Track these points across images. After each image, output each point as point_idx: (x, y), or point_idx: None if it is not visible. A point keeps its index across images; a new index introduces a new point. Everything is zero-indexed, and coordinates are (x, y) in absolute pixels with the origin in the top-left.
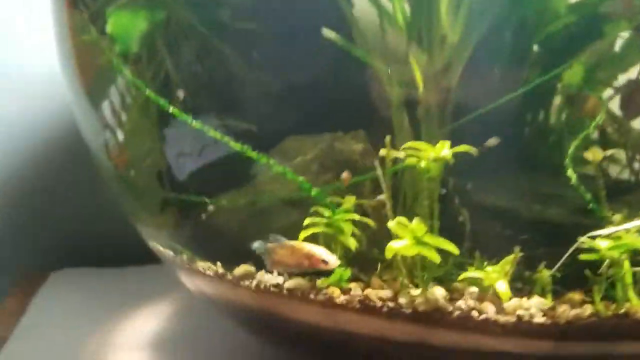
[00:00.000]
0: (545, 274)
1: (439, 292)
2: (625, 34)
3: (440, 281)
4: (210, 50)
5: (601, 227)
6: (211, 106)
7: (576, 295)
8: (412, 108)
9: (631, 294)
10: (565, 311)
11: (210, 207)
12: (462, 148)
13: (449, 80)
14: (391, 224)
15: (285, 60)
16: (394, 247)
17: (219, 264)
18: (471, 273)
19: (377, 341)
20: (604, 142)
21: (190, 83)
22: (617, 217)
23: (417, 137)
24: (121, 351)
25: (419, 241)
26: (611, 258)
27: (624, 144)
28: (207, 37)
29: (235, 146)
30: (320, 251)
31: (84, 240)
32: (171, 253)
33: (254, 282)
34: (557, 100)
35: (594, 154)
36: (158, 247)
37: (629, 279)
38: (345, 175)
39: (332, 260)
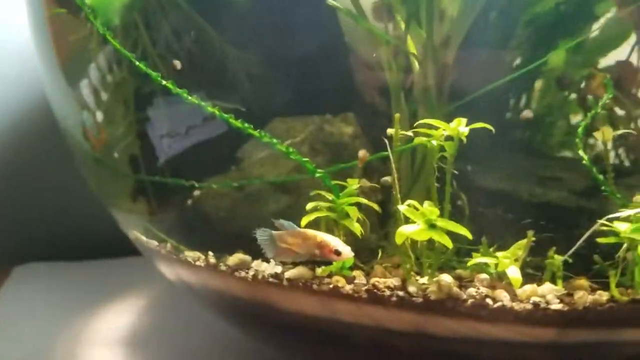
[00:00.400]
0: (557, 259)
1: (447, 280)
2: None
3: (440, 269)
4: (193, 25)
5: (605, 210)
6: (194, 84)
7: (583, 281)
8: (408, 89)
9: None
10: (582, 297)
11: (197, 193)
12: (480, 125)
13: (447, 56)
14: (402, 207)
15: (273, 37)
16: (405, 231)
17: (210, 253)
18: (481, 259)
19: (379, 332)
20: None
21: (173, 59)
22: (638, 197)
23: (413, 119)
24: (91, 348)
25: (431, 225)
26: (631, 241)
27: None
28: (190, 11)
29: (235, 124)
30: (335, 241)
31: (48, 234)
32: (154, 242)
33: (250, 272)
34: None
35: (605, 133)
36: (139, 236)
37: None
38: (362, 154)
39: (346, 251)
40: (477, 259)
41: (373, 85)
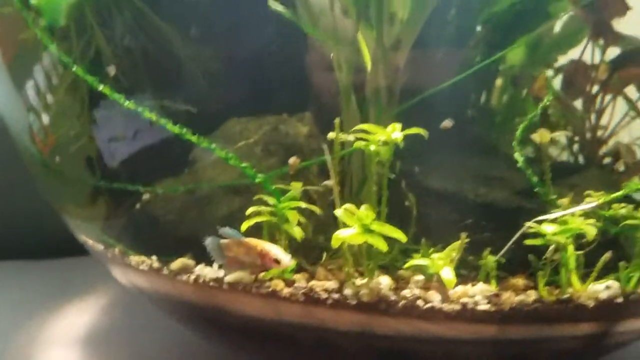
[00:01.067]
0: (490, 259)
1: (384, 282)
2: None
3: (386, 269)
4: (145, 25)
5: (544, 210)
6: (147, 85)
7: (520, 280)
8: (360, 90)
9: (574, 278)
10: (509, 297)
11: (145, 196)
12: (414, 130)
13: (398, 58)
14: (338, 212)
15: (228, 36)
16: (341, 236)
17: (154, 257)
18: (416, 260)
19: (323, 332)
20: (548, 124)
21: (124, 60)
22: (563, 201)
23: (365, 120)
24: (49, 347)
25: (366, 229)
26: (557, 243)
27: (565, 126)
28: (142, 9)
29: (173, 129)
30: (274, 250)
31: (3, 232)
32: (101, 247)
33: (192, 277)
34: (500, 81)
35: (542, 136)
36: (87, 240)
37: (572, 263)
38: (292, 160)
39: (286, 260)
40: (413, 261)
41: (328, 85)
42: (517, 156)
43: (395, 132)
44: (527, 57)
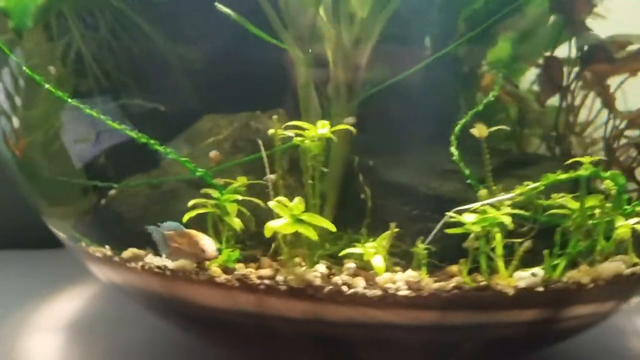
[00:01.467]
0: (420, 247)
1: (321, 269)
2: None
3: (334, 258)
4: (116, 23)
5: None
6: (118, 84)
7: (455, 268)
8: (323, 86)
9: (500, 265)
10: (428, 283)
11: (112, 192)
12: (342, 126)
13: (358, 57)
14: (271, 203)
15: (200, 34)
16: (271, 226)
17: (107, 247)
18: (351, 249)
19: (260, 318)
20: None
21: (95, 59)
22: (482, 192)
23: (325, 116)
24: (35, 334)
25: (296, 220)
26: (476, 232)
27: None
28: (112, 9)
29: (130, 134)
30: (203, 240)
31: None
32: (72, 242)
33: (139, 264)
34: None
35: (480, 130)
36: (61, 235)
37: (499, 251)
38: (212, 154)
39: (209, 250)
40: (348, 249)
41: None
42: (453, 150)
43: (322, 129)
44: (511, 53)
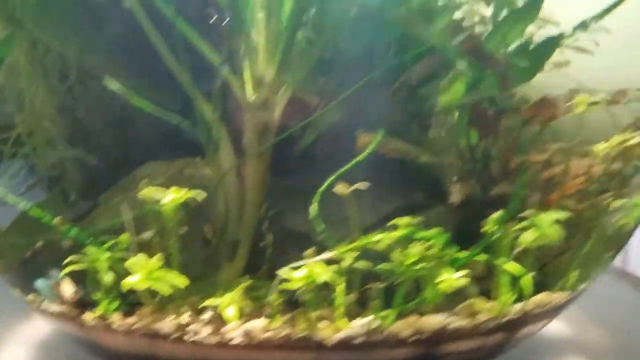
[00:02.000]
0: (273, 298)
1: (184, 315)
2: None
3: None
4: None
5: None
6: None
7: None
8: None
9: (339, 314)
10: (259, 332)
11: (39, 244)
12: (189, 194)
13: (267, 115)
14: (128, 263)
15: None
16: (127, 282)
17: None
18: (210, 301)
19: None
20: None
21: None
22: (308, 252)
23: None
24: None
25: (149, 276)
26: (304, 288)
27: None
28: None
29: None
30: (64, 286)
31: None
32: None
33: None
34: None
35: (341, 189)
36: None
37: (340, 300)
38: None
39: (66, 295)
40: (208, 300)
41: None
42: (312, 208)
43: (169, 195)
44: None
